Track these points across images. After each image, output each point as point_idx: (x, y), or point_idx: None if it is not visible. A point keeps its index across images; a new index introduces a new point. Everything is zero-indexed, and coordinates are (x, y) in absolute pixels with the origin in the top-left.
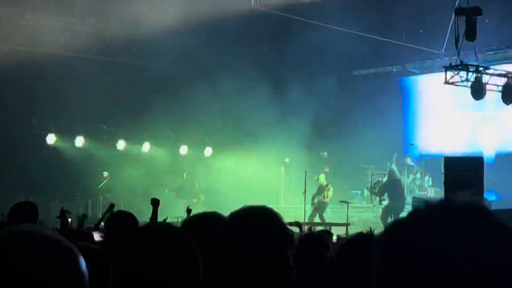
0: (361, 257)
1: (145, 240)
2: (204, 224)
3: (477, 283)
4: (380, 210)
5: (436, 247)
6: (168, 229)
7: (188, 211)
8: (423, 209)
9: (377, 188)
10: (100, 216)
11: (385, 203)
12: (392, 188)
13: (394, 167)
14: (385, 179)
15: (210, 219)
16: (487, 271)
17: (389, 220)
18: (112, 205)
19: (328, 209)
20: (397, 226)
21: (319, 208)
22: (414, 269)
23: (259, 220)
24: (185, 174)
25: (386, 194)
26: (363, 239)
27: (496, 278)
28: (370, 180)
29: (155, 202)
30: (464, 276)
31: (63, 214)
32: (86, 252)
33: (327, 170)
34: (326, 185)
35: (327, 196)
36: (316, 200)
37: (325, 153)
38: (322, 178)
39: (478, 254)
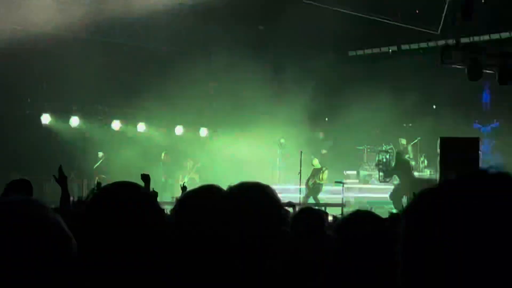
0: (362, 234)
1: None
2: (202, 196)
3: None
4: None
5: (472, 214)
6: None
7: (183, 188)
8: (454, 178)
9: (384, 167)
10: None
11: (395, 183)
12: (403, 168)
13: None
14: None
15: (208, 191)
16: None
17: (404, 200)
18: (99, 184)
19: (322, 190)
20: (428, 195)
21: (313, 190)
22: (449, 238)
23: (256, 195)
24: (163, 154)
25: (394, 176)
26: (362, 216)
27: None
28: (365, 161)
29: (145, 178)
30: (503, 247)
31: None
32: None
33: (324, 151)
34: (321, 168)
35: (322, 178)
36: (311, 183)
37: (320, 134)
38: (316, 162)
39: None
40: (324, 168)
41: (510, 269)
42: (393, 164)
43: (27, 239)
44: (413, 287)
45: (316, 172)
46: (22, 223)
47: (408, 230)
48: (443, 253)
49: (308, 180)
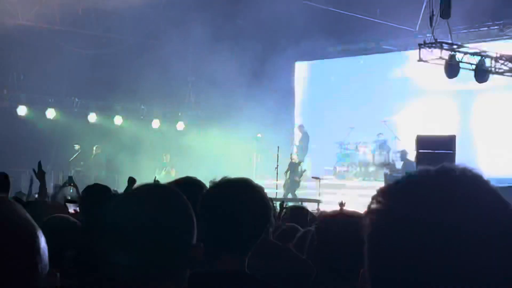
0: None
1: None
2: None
3: (480, 246)
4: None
5: (437, 213)
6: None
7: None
8: (417, 174)
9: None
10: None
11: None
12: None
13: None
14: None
15: (191, 184)
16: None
17: None
18: (70, 178)
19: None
20: (391, 192)
21: (291, 185)
22: (414, 238)
23: (243, 191)
24: (94, 148)
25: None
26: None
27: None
28: (342, 157)
29: (131, 181)
30: (468, 244)
31: (42, 176)
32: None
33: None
34: (299, 163)
35: (300, 174)
36: (288, 178)
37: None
38: (295, 157)
39: (481, 220)
40: (302, 163)
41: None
42: None
43: None
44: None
45: (294, 167)
46: None
47: (374, 231)
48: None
49: (285, 172)
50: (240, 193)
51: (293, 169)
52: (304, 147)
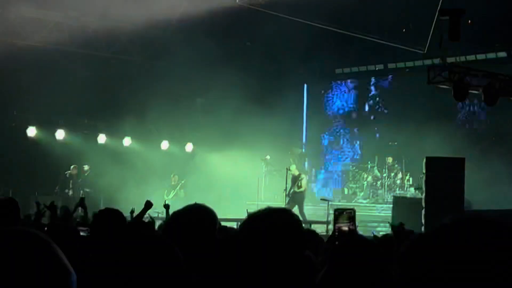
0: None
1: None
2: (193, 216)
3: None
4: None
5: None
6: None
7: (166, 206)
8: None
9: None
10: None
11: None
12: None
13: None
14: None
15: (199, 211)
16: None
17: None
18: (82, 199)
19: (308, 206)
20: (422, 244)
21: (295, 200)
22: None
23: (280, 221)
24: (71, 167)
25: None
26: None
27: None
28: (350, 178)
29: (148, 205)
30: None
31: (53, 207)
32: None
33: (299, 150)
34: (299, 175)
35: (301, 186)
36: (290, 192)
37: (299, 150)
38: (294, 168)
39: None
40: (302, 175)
41: None
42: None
43: (27, 273)
44: None
45: (294, 180)
46: (22, 257)
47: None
48: None
49: (289, 190)
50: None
51: (294, 181)
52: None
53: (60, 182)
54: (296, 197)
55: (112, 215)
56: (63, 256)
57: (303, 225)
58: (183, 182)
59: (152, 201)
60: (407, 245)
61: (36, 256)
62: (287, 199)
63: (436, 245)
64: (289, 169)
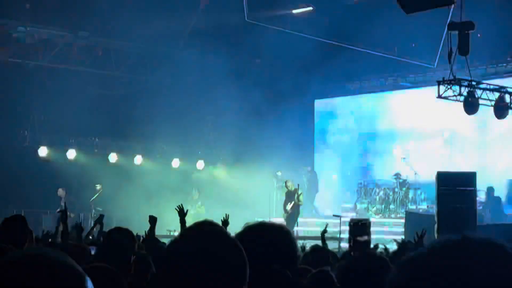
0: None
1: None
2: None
3: None
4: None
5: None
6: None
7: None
8: (440, 243)
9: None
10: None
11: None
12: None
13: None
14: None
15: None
16: None
17: None
18: (101, 216)
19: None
20: (415, 261)
21: (292, 215)
22: None
23: (271, 235)
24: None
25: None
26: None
27: None
28: (362, 194)
29: (152, 220)
30: None
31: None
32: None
33: (309, 168)
34: (295, 190)
35: (300, 200)
36: (288, 207)
37: (307, 168)
38: (290, 184)
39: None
40: (299, 191)
41: None
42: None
43: None
44: None
45: (290, 195)
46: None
47: None
48: None
49: (284, 205)
50: (269, 235)
51: (291, 196)
52: (313, 187)
53: (72, 202)
54: (295, 211)
55: (122, 234)
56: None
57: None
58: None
59: (164, 219)
60: (394, 269)
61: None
62: (285, 215)
63: (422, 270)
64: (286, 185)
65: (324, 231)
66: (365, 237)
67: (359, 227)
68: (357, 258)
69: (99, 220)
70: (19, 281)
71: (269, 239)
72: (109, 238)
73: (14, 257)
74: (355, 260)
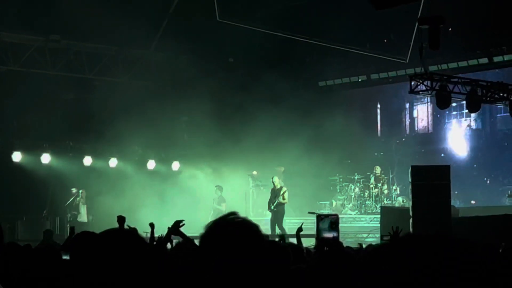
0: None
1: None
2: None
3: None
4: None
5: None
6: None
7: (151, 225)
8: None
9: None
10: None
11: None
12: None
13: None
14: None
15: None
16: None
17: None
18: (72, 228)
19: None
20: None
21: (277, 213)
22: None
23: (239, 230)
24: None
25: None
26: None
27: None
28: (338, 190)
29: (121, 220)
30: None
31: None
32: None
33: (282, 168)
34: (280, 188)
35: (285, 198)
36: (273, 206)
37: (282, 168)
38: (277, 180)
39: None
40: (284, 188)
41: None
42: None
43: None
44: None
45: (276, 193)
46: None
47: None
48: None
49: (269, 203)
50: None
51: (276, 194)
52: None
53: (47, 206)
54: (280, 209)
55: (86, 237)
56: None
57: (285, 239)
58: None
59: (141, 219)
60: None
61: None
62: (272, 212)
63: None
64: (273, 181)
65: (299, 229)
66: (334, 234)
67: (326, 223)
68: (322, 256)
69: (72, 233)
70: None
71: (235, 233)
72: (74, 242)
73: None
74: (319, 258)
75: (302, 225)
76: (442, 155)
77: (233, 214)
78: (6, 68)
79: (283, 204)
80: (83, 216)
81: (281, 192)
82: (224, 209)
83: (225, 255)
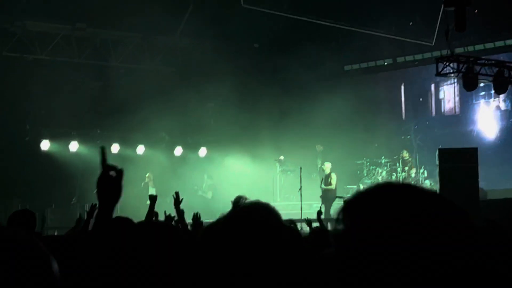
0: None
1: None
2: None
3: None
4: None
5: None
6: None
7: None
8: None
9: None
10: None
11: None
12: None
13: None
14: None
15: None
16: None
17: None
18: (93, 207)
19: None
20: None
21: (327, 198)
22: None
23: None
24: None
25: None
26: None
27: None
28: (365, 174)
29: (152, 199)
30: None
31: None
32: None
33: (321, 147)
34: (330, 173)
35: (331, 184)
36: (322, 189)
37: (321, 147)
38: (327, 167)
39: None
40: (332, 174)
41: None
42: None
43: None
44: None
45: (326, 178)
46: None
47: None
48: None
49: (321, 185)
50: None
51: (325, 179)
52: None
53: (76, 193)
54: (327, 194)
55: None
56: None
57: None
58: (212, 182)
59: (168, 205)
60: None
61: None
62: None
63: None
64: (323, 167)
65: (320, 212)
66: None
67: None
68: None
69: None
70: None
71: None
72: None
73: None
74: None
75: (321, 208)
76: (470, 137)
77: (241, 197)
78: (33, 57)
79: (331, 189)
80: None
81: (330, 178)
82: (210, 197)
83: (248, 240)
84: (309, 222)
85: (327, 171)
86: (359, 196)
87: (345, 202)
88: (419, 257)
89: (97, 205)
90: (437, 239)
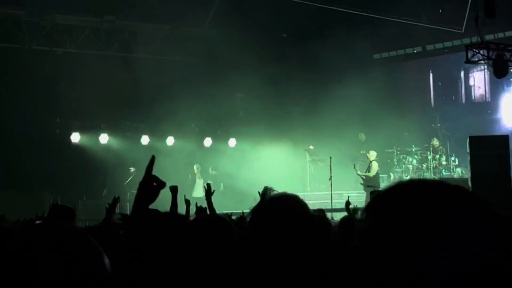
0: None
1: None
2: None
3: None
4: None
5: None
6: None
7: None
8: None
9: None
10: (127, 211)
11: None
12: None
13: None
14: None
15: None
16: None
17: None
18: (115, 199)
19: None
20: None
21: (365, 186)
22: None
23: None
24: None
25: None
26: None
27: None
28: (396, 163)
29: (173, 190)
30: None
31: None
32: None
33: (364, 136)
34: (371, 162)
35: (369, 171)
36: (364, 177)
37: (363, 135)
38: (372, 154)
39: None
40: (372, 161)
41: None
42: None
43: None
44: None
45: (368, 166)
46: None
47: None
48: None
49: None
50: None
51: (368, 168)
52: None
53: (107, 185)
54: (366, 181)
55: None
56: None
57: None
58: (215, 173)
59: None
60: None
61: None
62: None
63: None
64: (368, 155)
65: (348, 203)
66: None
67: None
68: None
69: (114, 204)
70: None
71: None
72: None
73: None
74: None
75: (349, 198)
76: (501, 124)
77: (268, 189)
78: (62, 50)
79: (368, 177)
80: (198, 191)
81: (370, 166)
82: (221, 189)
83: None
84: (347, 203)
85: (371, 158)
86: (382, 195)
87: (368, 202)
88: (438, 257)
89: (119, 199)
90: (458, 237)
